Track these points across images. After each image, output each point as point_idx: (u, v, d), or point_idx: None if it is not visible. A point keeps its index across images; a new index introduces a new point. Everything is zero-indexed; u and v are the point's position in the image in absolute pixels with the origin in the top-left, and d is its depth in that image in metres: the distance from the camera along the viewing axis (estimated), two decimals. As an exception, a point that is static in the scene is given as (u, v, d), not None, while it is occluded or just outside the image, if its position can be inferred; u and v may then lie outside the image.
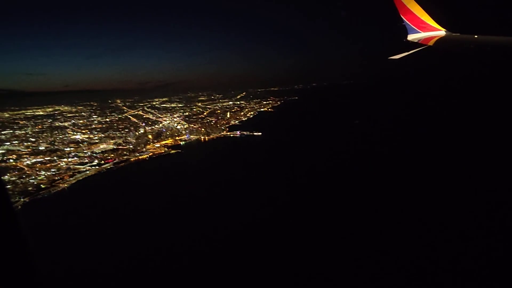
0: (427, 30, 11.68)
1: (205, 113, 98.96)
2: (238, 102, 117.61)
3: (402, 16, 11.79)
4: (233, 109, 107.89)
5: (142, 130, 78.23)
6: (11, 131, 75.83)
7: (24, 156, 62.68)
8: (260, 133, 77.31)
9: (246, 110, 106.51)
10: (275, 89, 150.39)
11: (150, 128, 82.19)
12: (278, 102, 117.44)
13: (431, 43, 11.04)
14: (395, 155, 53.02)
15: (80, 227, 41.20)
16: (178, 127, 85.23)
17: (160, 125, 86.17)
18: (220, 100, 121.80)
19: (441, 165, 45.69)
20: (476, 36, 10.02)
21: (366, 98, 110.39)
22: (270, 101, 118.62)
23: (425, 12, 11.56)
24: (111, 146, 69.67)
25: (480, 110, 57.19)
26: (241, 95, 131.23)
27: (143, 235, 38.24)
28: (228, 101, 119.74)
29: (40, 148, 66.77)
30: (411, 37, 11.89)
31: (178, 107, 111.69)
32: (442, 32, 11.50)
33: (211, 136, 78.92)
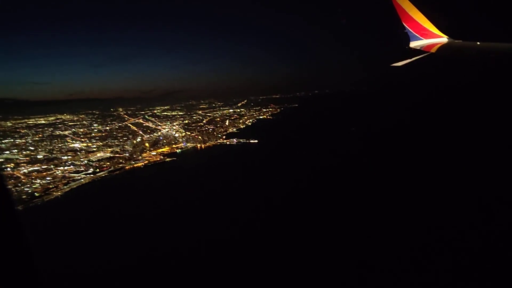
0: (429, 37, 11.69)
1: (204, 121, 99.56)
2: (238, 110, 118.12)
3: (404, 24, 11.79)
4: (232, 116, 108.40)
5: (139, 139, 78.89)
6: (12, 139, 77.25)
7: (22, 164, 63.55)
8: (256, 141, 77.45)
9: (245, 117, 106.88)
10: (277, 96, 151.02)
11: (148, 136, 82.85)
12: (278, 110, 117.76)
13: (433, 50, 11.06)
14: (393, 162, 52.67)
15: (71, 235, 41.55)
16: (176, 135, 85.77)
17: (159, 133, 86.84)
18: (221, 108, 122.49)
19: (442, 171, 45.41)
20: (478, 43, 10.02)
21: (367, 105, 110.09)
22: (270, 109, 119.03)
23: (427, 19, 11.59)
24: (108, 155, 70.36)
25: (483, 116, 56.77)
26: (242, 102, 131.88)
27: (134, 242, 38.46)
28: (229, 109, 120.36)
29: (38, 156, 67.65)
30: (413, 44, 11.93)
31: (179, 115, 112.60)
32: (444, 39, 11.53)
33: (207, 143, 79.26)
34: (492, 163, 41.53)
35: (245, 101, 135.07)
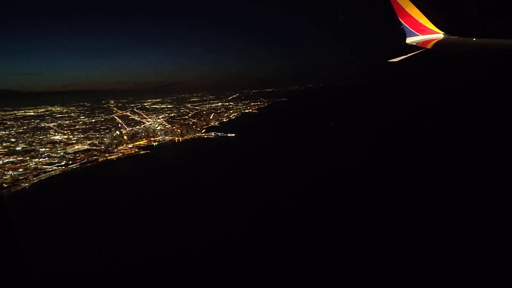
0: (426, 33, 11.72)
1: (190, 114, 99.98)
2: (227, 103, 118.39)
3: (400, 19, 11.80)
4: (219, 110, 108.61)
5: (118, 131, 79.59)
6: (-4, 131, 79.00)
7: (-1, 156, 64.93)
8: (233, 134, 77.65)
9: (231, 111, 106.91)
10: (269, 90, 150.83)
11: (130, 129, 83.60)
12: (266, 104, 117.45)
13: (429, 46, 11.03)
14: (380, 160, 52.30)
15: (33, 226, 42.34)
16: (158, 128, 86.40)
17: (142, 126, 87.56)
18: (211, 101, 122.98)
19: (437, 166, 44.87)
20: (474, 39, 10.04)
21: (356, 100, 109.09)
22: (258, 102, 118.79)
23: (423, 15, 11.58)
24: (86, 147, 71.19)
25: (478, 112, 56.11)
26: (233, 96, 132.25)
27: (92, 233, 39.01)
28: (218, 102, 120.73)
29: (17, 148, 68.88)
30: (409, 40, 11.92)
31: (167, 108, 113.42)
32: (440, 35, 11.55)
33: (185, 137, 79.64)
34: (488, 158, 40.92)
35: (237, 94, 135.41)
